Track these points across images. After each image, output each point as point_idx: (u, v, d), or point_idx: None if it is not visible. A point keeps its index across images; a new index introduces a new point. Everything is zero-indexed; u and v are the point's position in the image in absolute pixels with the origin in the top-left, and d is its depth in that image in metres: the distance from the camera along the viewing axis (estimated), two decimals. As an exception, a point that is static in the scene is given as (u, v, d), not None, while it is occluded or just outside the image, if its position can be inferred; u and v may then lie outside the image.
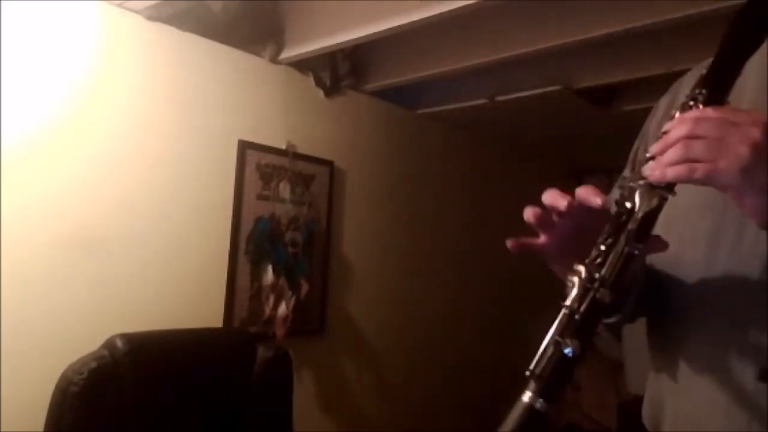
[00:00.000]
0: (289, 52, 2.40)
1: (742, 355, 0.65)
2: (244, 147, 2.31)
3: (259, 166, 2.35)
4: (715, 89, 0.60)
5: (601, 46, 2.20)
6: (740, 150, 0.53)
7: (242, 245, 2.28)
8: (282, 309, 2.33)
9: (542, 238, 0.67)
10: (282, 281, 2.37)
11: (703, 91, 0.60)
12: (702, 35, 2.22)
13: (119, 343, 1.64)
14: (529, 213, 0.66)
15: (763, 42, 0.62)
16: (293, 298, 2.39)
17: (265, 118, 2.42)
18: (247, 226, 2.30)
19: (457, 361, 3.12)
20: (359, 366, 2.73)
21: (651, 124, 0.85)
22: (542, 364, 0.56)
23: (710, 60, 0.70)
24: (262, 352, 1.94)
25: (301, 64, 2.52)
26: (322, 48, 2.30)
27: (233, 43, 2.30)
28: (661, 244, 0.61)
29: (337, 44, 2.25)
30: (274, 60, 2.43)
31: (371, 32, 2.10)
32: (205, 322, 2.11)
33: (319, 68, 2.61)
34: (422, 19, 1.95)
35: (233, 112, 2.30)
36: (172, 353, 1.75)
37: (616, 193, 0.88)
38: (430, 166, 3.16)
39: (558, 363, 0.56)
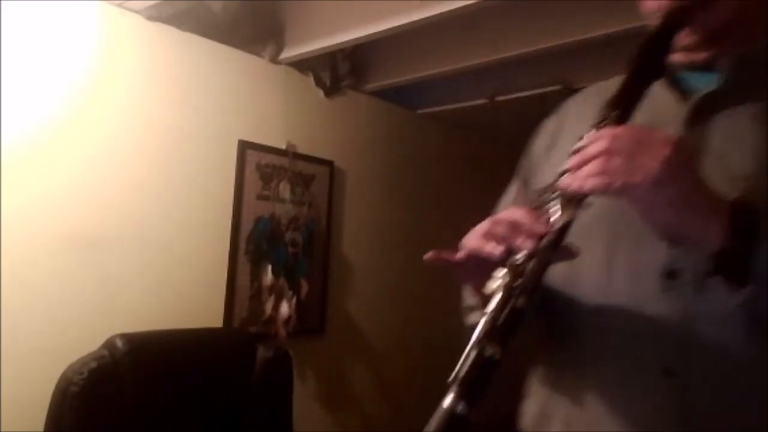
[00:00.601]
0: (289, 52, 2.40)
1: (644, 357, 0.69)
2: (244, 147, 2.31)
3: (259, 166, 2.35)
4: (625, 110, 0.65)
5: (601, 46, 2.20)
6: (653, 165, 0.57)
7: (242, 245, 2.28)
8: (283, 309, 2.33)
9: (462, 255, 0.70)
10: (282, 281, 2.37)
11: (615, 112, 0.65)
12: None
13: (119, 343, 1.64)
14: (473, 243, 0.69)
15: (662, 72, 0.70)
16: (294, 299, 2.39)
17: (265, 118, 2.42)
18: (247, 226, 2.30)
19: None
20: (359, 366, 2.73)
21: (537, 144, 0.91)
22: (465, 368, 0.57)
23: (599, 84, 0.85)
24: (262, 352, 1.94)
25: (301, 64, 2.52)
26: (322, 48, 2.30)
27: (233, 43, 2.30)
28: (571, 253, 0.64)
29: (337, 44, 2.25)
30: (274, 60, 2.43)
31: (371, 32, 2.10)
32: (205, 322, 2.11)
33: (319, 68, 2.61)
34: (422, 19, 1.95)
35: (233, 112, 2.30)
36: (172, 353, 1.75)
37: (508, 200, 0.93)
38: (430, 166, 3.16)
39: (480, 367, 0.57)
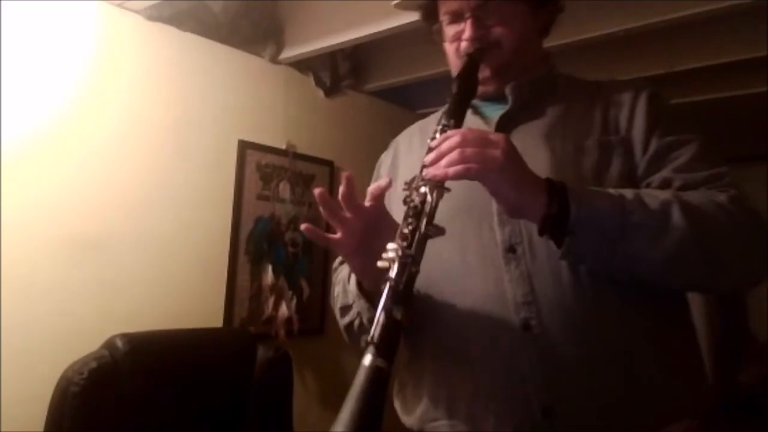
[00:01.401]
0: (289, 52, 2.40)
1: (503, 319, 0.84)
2: (244, 147, 2.31)
3: (259, 166, 2.36)
4: (458, 120, 0.86)
5: (599, 47, 2.20)
6: (497, 155, 0.76)
7: (242, 245, 2.28)
8: (283, 309, 2.33)
9: (338, 234, 0.84)
10: (282, 281, 2.37)
11: (452, 121, 0.85)
12: (701, 35, 2.23)
13: (119, 343, 1.64)
14: (317, 192, 0.82)
15: (475, 93, 0.93)
16: (294, 299, 2.39)
17: (265, 118, 2.42)
18: (247, 226, 2.30)
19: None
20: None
21: (380, 172, 1.15)
22: (378, 330, 0.68)
23: (420, 122, 1.13)
24: (262, 352, 1.94)
25: (301, 64, 2.52)
26: (322, 48, 2.30)
27: (233, 43, 2.30)
28: (442, 230, 0.77)
29: (337, 44, 2.25)
30: (274, 60, 2.43)
31: (371, 32, 2.11)
32: (205, 322, 2.11)
33: (319, 68, 2.61)
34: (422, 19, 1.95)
35: (233, 112, 2.30)
36: (172, 353, 1.75)
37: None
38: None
39: (390, 327, 0.69)
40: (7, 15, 1.73)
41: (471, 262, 0.88)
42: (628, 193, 0.80)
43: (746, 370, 3.39)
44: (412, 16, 1.97)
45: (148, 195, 2.03)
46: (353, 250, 0.85)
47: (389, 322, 0.68)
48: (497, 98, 0.97)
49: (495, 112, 0.97)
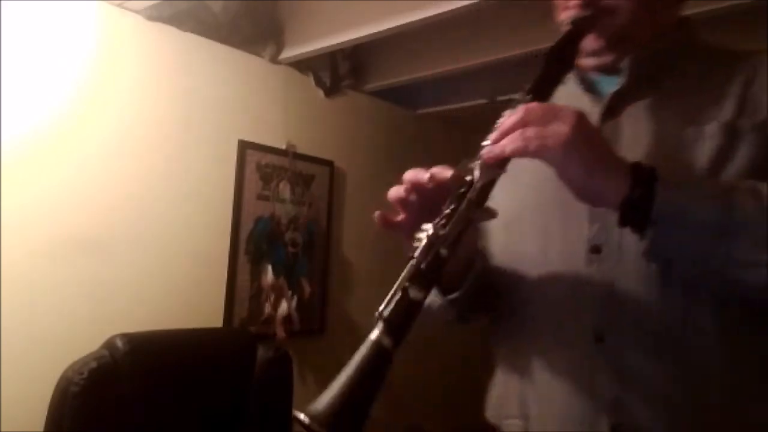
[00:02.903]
0: (289, 52, 2.40)
1: (577, 325, 0.77)
2: (244, 147, 2.31)
3: (259, 166, 2.35)
4: (537, 94, 0.74)
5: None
6: (562, 130, 0.66)
7: (242, 245, 2.28)
8: (283, 309, 2.33)
9: (401, 216, 0.80)
10: (282, 281, 2.37)
11: (529, 96, 0.74)
12: (702, 35, 2.23)
13: (119, 343, 1.64)
14: (393, 193, 0.80)
15: (570, 68, 0.80)
16: (295, 299, 2.39)
17: (265, 118, 2.42)
18: (247, 226, 2.30)
19: (457, 360, 3.12)
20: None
21: None
22: (390, 307, 0.63)
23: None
24: (263, 352, 1.94)
25: (301, 64, 2.52)
26: (322, 48, 2.30)
27: (233, 43, 2.30)
28: (491, 213, 0.71)
29: (337, 44, 2.25)
30: (274, 60, 2.43)
31: (371, 32, 2.10)
32: (205, 322, 2.11)
33: (319, 68, 2.61)
34: (422, 19, 1.95)
35: (233, 112, 2.30)
36: (172, 353, 1.75)
37: None
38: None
39: (405, 306, 0.64)
40: (7, 15, 1.73)
41: (553, 260, 0.80)
42: (744, 183, 0.68)
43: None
44: (412, 16, 1.98)
45: (148, 195, 2.03)
46: (410, 231, 0.76)
47: (403, 301, 0.64)
48: (616, 71, 0.83)
49: (611, 87, 0.83)
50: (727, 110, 0.76)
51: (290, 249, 2.44)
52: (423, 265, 0.66)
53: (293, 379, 2.04)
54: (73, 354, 1.64)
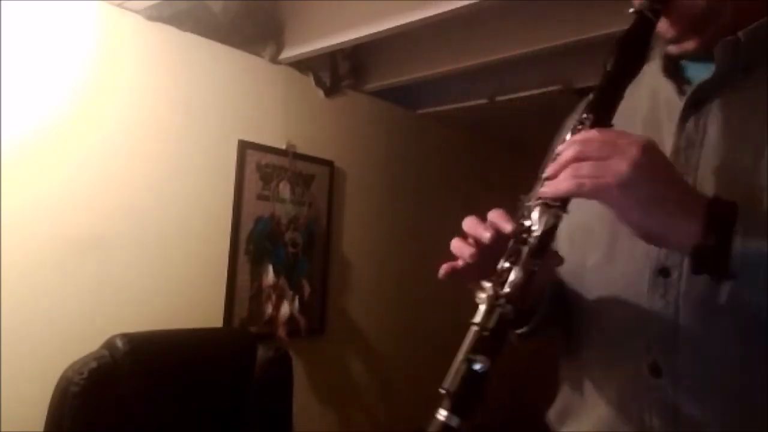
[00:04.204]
0: (289, 52, 2.40)
1: (633, 355, 0.70)
2: (244, 147, 2.31)
3: (259, 166, 2.35)
4: (600, 113, 0.66)
5: (601, 46, 2.19)
6: (621, 168, 0.58)
7: (242, 245, 2.28)
8: (284, 309, 2.33)
9: (461, 262, 0.73)
10: (282, 281, 2.37)
11: (590, 115, 0.66)
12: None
13: (119, 343, 1.64)
14: (456, 247, 0.73)
15: (639, 70, 0.68)
16: (295, 299, 2.39)
17: (265, 118, 2.42)
18: (247, 226, 2.30)
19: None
20: (359, 366, 2.73)
21: (557, 142, 0.92)
22: (455, 381, 0.58)
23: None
24: (263, 352, 1.94)
25: (301, 64, 2.52)
26: (322, 48, 2.30)
27: (233, 43, 2.30)
28: (558, 260, 0.67)
29: (337, 44, 2.25)
30: (274, 60, 2.42)
31: (371, 32, 2.10)
32: (205, 322, 2.11)
33: (319, 68, 2.61)
34: (422, 19, 1.95)
35: (233, 112, 2.30)
36: (172, 353, 1.75)
37: None
38: (430, 166, 3.16)
39: (469, 379, 0.58)
40: (7, 15, 1.73)
41: (616, 279, 0.74)
42: None
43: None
44: (412, 16, 1.98)
45: (148, 195, 2.03)
46: (469, 276, 0.72)
47: (468, 374, 0.58)
48: (707, 57, 0.71)
49: (701, 74, 0.72)
50: None
51: (290, 249, 2.44)
52: (486, 332, 0.60)
53: (293, 379, 2.04)
54: (73, 354, 1.64)
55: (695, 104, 0.71)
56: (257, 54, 2.39)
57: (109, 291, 1.91)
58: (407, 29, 2.03)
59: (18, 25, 1.76)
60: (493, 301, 0.61)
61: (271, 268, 2.33)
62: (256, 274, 2.31)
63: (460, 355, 0.59)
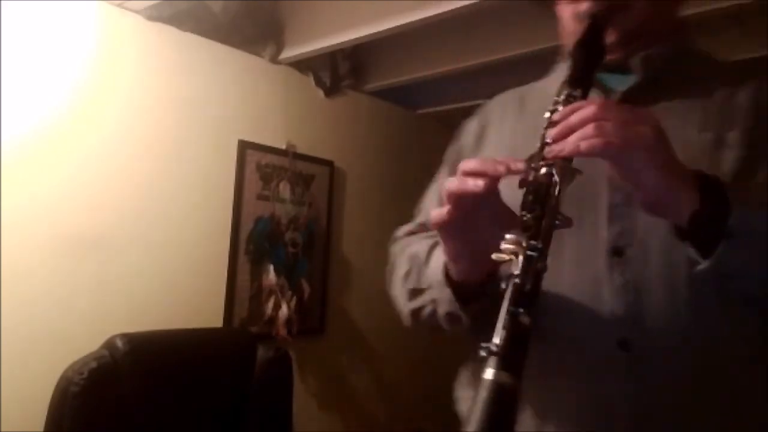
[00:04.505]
0: (289, 52, 2.40)
1: (600, 332, 0.72)
2: (244, 147, 2.31)
3: (259, 166, 2.35)
4: (585, 90, 0.71)
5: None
6: (647, 131, 0.61)
7: (242, 245, 2.28)
8: (284, 310, 2.33)
9: (446, 208, 0.69)
10: (282, 281, 2.37)
11: (579, 91, 0.70)
12: (702, 35, 2.23)
13: (119, 343, 1.64)
14: (456, 186, 0.67)
15: (602, 59, 0.76)
16: (294, 299, 2.39)
17: (265, 118, 2.42)
18: (247, 226, 2.30)
19: (457, 360, 3.12)
20: (359, 366, 2.73)
21: (464, 141, 1.01)
22: (503, 340, 0.54)
23: (516, 90, 1.00)
24: (263, 353, 1.94)
25: (301, 64, 2.52)
26: (322, 48, 2.30)
27: (233, 43, 2.30)
28: (570, 220, 0.65)
29: (337, 44, 2.25)
30: (274, 60, 2.43)
31: (371, 32, 2.10)
32: (205, 322, 2.11)
33: (319, 68, 2.61)
34: (422, 19, 1.95)
35: (233, 112, 2.30)
36: (172, 353, 1.75)
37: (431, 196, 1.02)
38: (429, 166, 3.15)
39: (519, 335, 0.55)
40: (7, 15, 1.73)
41: (565, 264, 0.75)
42: None
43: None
44: (412, 16, 1.98)
45: (147, 195, 2.03)
46: (454, 228, 0.71)
47: (516, 329, 0.55)
48: (621, 69, 0.81)
49: (619, 84, 0.81)
50: (740, 121, 0.74)
51: (290, 249, 2.44)
52: (526, 287, 0.57)
53: (293, 379, 2.04)
54: (73, 354, 1.64)
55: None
56: (257, 54, 2.39)
57: (109, 291, 1.91)
58: (407, 29, 2.03)
59: (18, 25, 1.76)
60: (530, 253, 0.59)
61: (271, 268, 2.33)
62: (256, 274, 2.31)
63: (504, 311, 0.56)
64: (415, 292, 0.87)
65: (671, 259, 0.69)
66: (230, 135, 2.28)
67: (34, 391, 1.64)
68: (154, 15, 2.05)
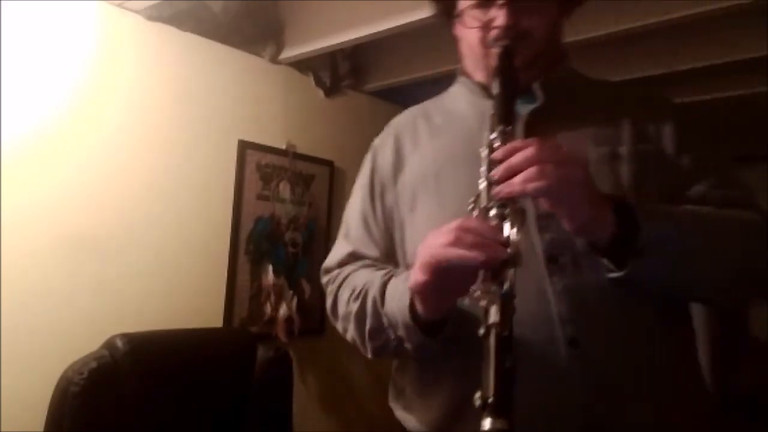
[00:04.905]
0: (289, 52, 2.40)
1: (549, 333, 0.78)
2: (244, 147, 2.31)
3: (259, 166, 2.35)
4: (507, 119, 0.78)
5: (601, 46, 2.20)
6: (578, 171, 0.71)
7: (242, 245, 2.28)
8: (284, 310, 2.33)
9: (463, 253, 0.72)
10: (282, 281, 2.37)
11: (509, 128, 0.77)
12: (702, 35, 2.23)
13: (119, 343, 1.64)
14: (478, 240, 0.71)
15: (518, 87, 0.84)
16: (295, 299, 2.39)
17: (265, 118, 2.42)
18: (247, 226, 2.30)
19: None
20: (359, 366, 2.73)
21: (380, 162, 1.10)
22: (493, 388, 0.59)
23: (421, 106, 1.10)
24: (262, 352, 1.94)
25: (301, 64, 2.52)
26: (322, 48, 2.30)
27: (233, 43, 2.30)
28: (521, 259, 0.70)
29: (337, 44, 2.25)
30: (274, 60, 2.43)
31: (371, 32, 2.10)
32: (205, 322, 2.11)
33: (319, 68, 2.61)
34: (422, 19, 1.95)
35: (233, 112, 2.30)
36: (172, 353, 1.75)
37: None
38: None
39: (506, 380, 0.60)
40: (7, 15, 1.73)
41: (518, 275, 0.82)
42: (685, 212, 0.77)
43: (746, 370, 3.39)
44: (412, 16, 1.98)
45: (148, 195, 2.03)
46: (437, 295, 0.77)
47: (504, 376, 0.60)
48: (526, 93, 0.89)
49: (522, 108, 0.88)
50: (628, 137, 0.85)
51: (290, 249, 2.44)
52: (506, 332, 0.63)
53: (293, 379, 2.04)
54: (73, 354, 1.64)
55: (528, 131, 0.86)
56: (257, 54, 2.39)
57: (109, 291, 1.91)
58: (407, 29, 2.03)
59: (18, 25, 1.76)
60: (506, 300, 0.64)
61: (271, 268, 2.33)
62: (256, 274, 2.31)
63: (493, 360, 0.61)
64: (377, 332, 0.91)
65: (598, 263, 0.77)
66: (230, 135, 2.28)
67: (34, 391, 1.64)
68: (154, 15, 2.05)
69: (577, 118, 0.88)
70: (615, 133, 0.86)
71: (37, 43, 1.80)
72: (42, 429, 1.55)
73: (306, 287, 2.44)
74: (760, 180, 3.37)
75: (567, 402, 0.76)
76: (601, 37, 2.04)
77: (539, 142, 0.71)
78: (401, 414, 0.96)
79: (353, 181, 1.21)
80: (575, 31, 2.07)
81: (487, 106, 0.86)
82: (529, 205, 0.79)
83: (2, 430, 1.64)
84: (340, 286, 1.01)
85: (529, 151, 0.70)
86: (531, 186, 0.68)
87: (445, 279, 0.72)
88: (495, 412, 0.57)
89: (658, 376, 0.78)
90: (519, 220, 0.69)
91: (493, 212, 0.70)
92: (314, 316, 2.50)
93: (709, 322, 3.42)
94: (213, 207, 2.22)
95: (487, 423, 0.57)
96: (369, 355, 0.98)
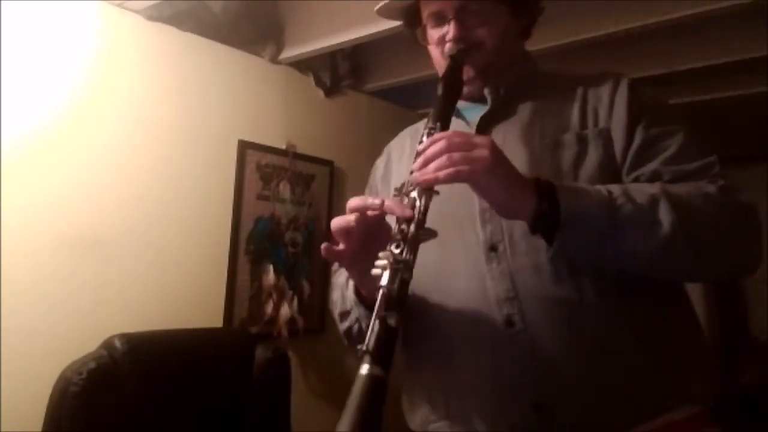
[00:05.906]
0: (289, 52, 2.40)
1: (490, 317, 0.86)
2: (244, 147, 2.31)
3: (259, 166, 2.35)
4: (445, 122, 0.87)
5: (601, 46, 2.20)
6: (485, 156, 0.76)
7: (242, 245, 2.28)
8: (284, 310, 2.33)
9: (342, 246, 0.83)
10: (282, 281, 2.37)
11: (438, 124, 0.86)
12: (702, 35, 2.23)
13: (118, 343, 1.64)
14: (338, 223, 0.84)
15: (460, 95, 0.94)
16: (295, 299, 2.39)
17: (265, 118, 2.42)
18: (247, 226, 2.30)
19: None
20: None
21: (374, 178, 1.19)
22: (373, 338, 0.67)
23: (410, 128, 1.16)
24: (261, 353, 1.94)
25: (301, 64, 2.52)
26: (322, 48, 2.30)
27: (233, 43, 2.30)
28: (433, 233, 0.77)
29: (337, 44, 2.25)
30: (274, 60, 2.43)
31: (371, 32, 2.10)
32: (205, 322, 2.11)
33: (319, 68, 2.61)
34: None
35: (233, 112, 2.30)
36: (171, 353, 1.75)
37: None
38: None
39: (386, 335, 0.68)
40: (7, 15, 1.73)
41: (454, 263, 0.90)
42: (616, 188, 0.81)
43: (746, 370, 3.39)
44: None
45: (147, 195, 2.03)
46: (351, 259, 0.85)
47: (383, 330, 0.68)
48: (480, 99, 0.99)
49: (476, 113, 0.98)
50: (574, 123, 0.91)
51: (290, 249, 2.44)
52: (393, 294, 0.70)
53: (291, 379, 2.04)
54: (73, 354, 1.64)
55: (481, 132, 0.94)
56: (257, 54, 2.39)
57: (108, 291, 1.91)
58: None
59: (18, 25, 1.76)
60: (395, 265, 0.72)
61: (271, 268, 2.33)
62: (256, 274, 2.31)
63: (375, 316, 0.69)
64: (343, 315, 1.00)
65: (534, 246, 0.83)
66: (230, 135, 2.28)
67: (33, 391, 1.64)
68: (154, 15, 2.05)
69: (528, 115, 0.95)
70: (563, 121, 0.92)
71: (37, 43, 1.80)
72: (41, 429, 1.55)
73: (306, 287, 2.44)
74: (760, 180, 3.37)
75: (515, 381, 0.83)
76: (601, 37, 2.04)
77: (450, 134, 0.79)
78: (405, 412, 1.03)
79: (353, 181, 1.26)
80: (575, 31, 2.07)
81: (456, 123, 0.96)
82: (474, 201, 0.88)
83: (2, 430, 1.64)
84: (335, 284, 1.08)
85: (440, 143, 0.77)
86: (442, 173, 0.75)
87: (358, 247, 0.82)
88: (372, 359, 0.66)
89: (605, 356, 0.81)
90: (428, 200, 0.77)
91: (412, 195, 0.78)
92: (314, 315, 2.50)
93: (709, 319, 3.42)
94: (213, 207, 2.22)
95: (364, 368, 0.66)
96: (345, 342, 1.04)
